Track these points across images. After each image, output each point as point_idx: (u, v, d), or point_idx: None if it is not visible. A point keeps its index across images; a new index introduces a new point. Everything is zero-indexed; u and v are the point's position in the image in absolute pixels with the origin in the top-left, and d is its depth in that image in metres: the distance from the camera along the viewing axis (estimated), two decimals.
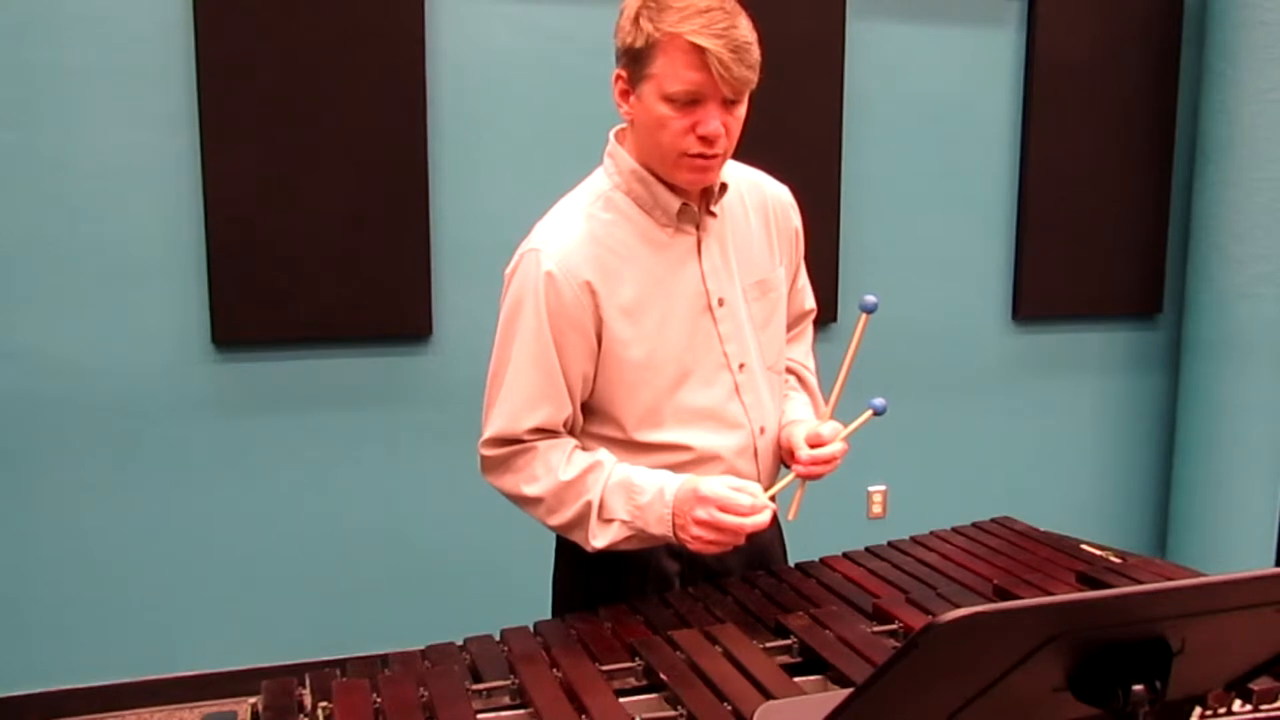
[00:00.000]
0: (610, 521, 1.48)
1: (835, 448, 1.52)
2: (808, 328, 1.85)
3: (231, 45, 2.92)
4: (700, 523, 1.41)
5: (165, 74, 2.93)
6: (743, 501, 1.39)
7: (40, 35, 2.83)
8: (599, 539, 1.49)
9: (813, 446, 1.53)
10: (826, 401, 1.60)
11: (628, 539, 1.49)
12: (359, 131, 3.05)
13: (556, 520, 1.52)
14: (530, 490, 1.51)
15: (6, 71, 2.82)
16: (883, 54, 3.56)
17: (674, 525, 1.44)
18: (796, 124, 3.41)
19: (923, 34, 3.60)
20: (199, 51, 2.91)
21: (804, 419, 1.67)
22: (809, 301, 1.82)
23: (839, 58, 3.47)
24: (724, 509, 1.39)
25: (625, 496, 1.47)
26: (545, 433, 1.52)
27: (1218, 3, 3.65)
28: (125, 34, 2.89)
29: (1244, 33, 3.56)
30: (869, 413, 1.49)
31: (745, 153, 1.65)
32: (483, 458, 1.56)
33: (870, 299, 1.49)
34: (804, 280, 1.79)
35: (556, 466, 1.49)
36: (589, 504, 1.48)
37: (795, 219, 1.71)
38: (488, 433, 1.54)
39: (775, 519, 1.76)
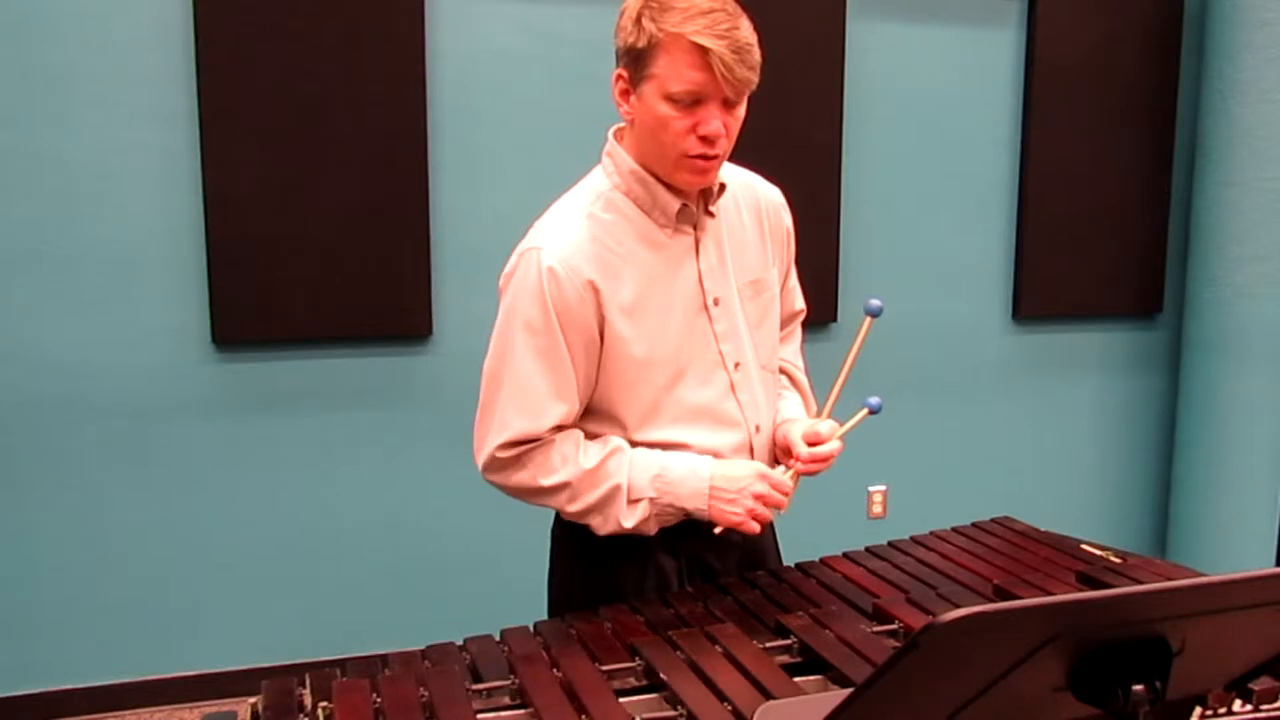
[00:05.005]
0: (637, 502, 1.52)
1: (833, 445, 1.54)
2: (798, 328, 1.86)
3: (231, 45, 2.92)
4: (758, 496, 1.51)
5: (165, 74, 2.93)
6: (788, 483, 1.54)
7: (40, 35, 2.83)
8: (628, 519, 1.53)
9: (810, 444, 1.55)
10: (820, 401, 1.60)
11: (645, 520, 1.53)
12: (359, 131, 3.05)
13: (577, 506, 1.53)
14: (549, 481, 1.52)
15: (6, 71, 2.82)
16: (883, 54, 3.56)
17: (710, 498, 1.51)
18: (796, 124, 3.40)
19: (923, 34, 3.60)
20: (199, 51, 2.91)
21: (798, 417, 1.68)
22: (799, 302, 1.83)
23: (839, 58, 3.47)
24: (776, 488, 1.52)
25: (652, 476, 1.52)
26: (564, 429, 1.53)
27: (1218, 3, 3.65)
28: (125, 34, 2.88)
29: (1244, 33, 3.56)
30: (864, 411, 1.50)
31: (746, 153, 1.65)
32: (492, 459, 1.53)
33: (875, 303, 1.49)
34: (794, 281, 1.79)
35: (573, 456, 1.52)
36: (617, 487, 1.52)
37: (787, 219, 1.72)
38: (505, 436, 1.51)
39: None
